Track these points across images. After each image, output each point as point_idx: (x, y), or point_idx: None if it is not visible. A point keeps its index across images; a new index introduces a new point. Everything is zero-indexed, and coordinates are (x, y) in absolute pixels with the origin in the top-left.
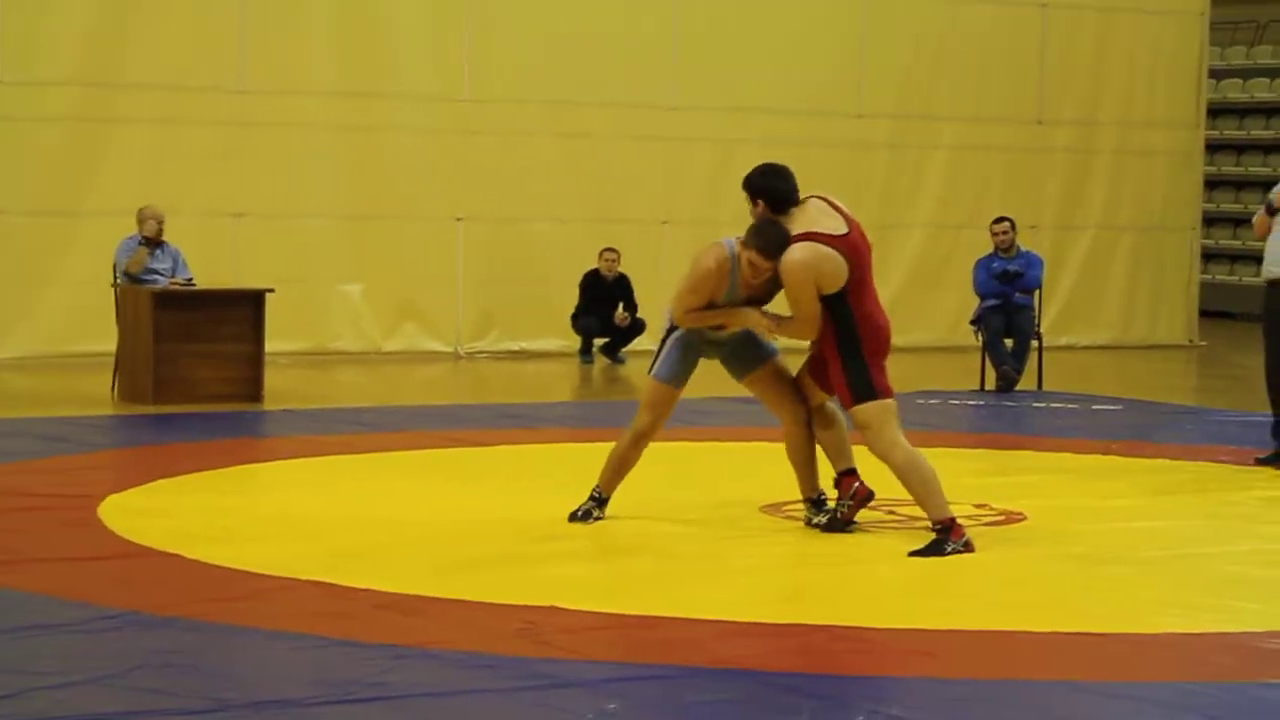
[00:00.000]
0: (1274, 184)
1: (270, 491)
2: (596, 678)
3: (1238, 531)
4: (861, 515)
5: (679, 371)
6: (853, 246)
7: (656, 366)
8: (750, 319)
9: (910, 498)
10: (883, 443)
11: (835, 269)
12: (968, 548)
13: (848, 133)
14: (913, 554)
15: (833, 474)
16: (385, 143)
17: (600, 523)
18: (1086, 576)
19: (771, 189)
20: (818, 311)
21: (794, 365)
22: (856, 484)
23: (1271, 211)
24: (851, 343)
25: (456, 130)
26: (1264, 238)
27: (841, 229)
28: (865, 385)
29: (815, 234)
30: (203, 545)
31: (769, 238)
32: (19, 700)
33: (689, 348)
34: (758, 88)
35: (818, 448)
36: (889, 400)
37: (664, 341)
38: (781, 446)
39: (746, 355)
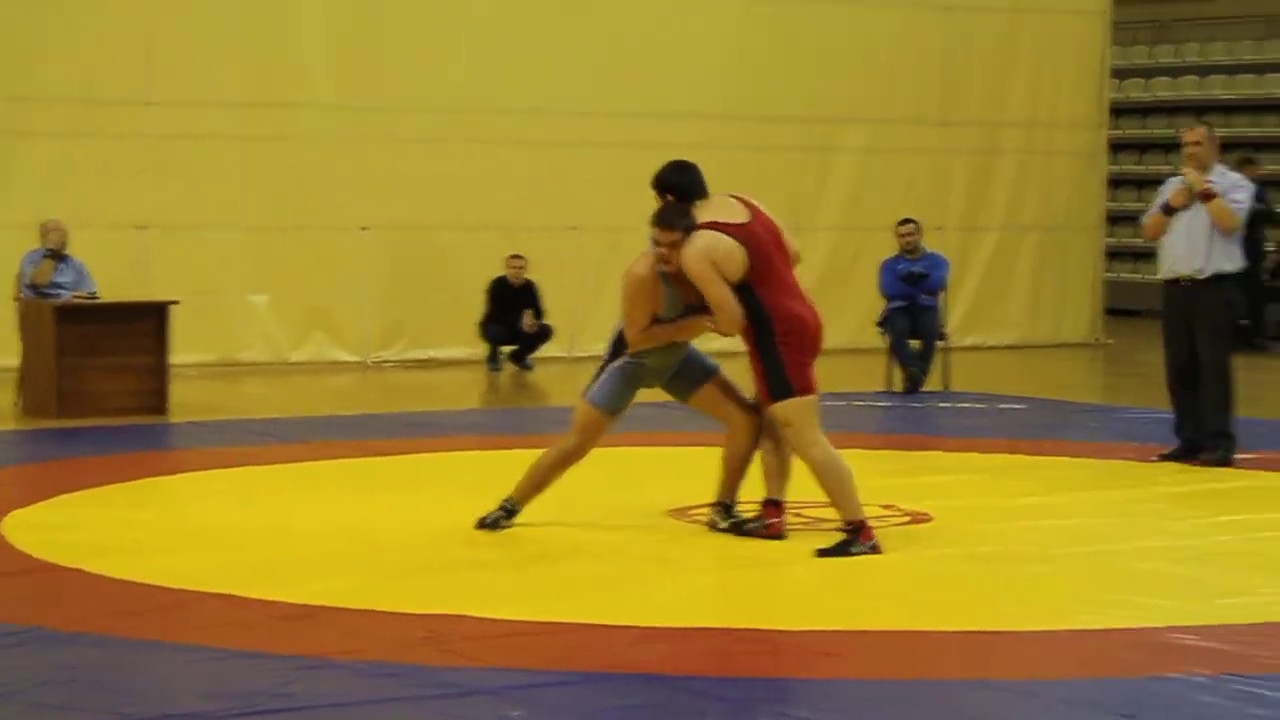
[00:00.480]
0: None
1: (176, 504)
2: (502, 685)
3: (1144, 528)
4: None
5: (616, 402)
6: (752, 235)
7: (594, 391)
8: (699, 324)
9: (820, 499)
10: (802, 441)
11: (730, 253)
12: (875, 550)
13: (754, 136)
14: (819, 552)
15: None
16: (291, 153)
17: (507, 530)
18: (994, 575)
19: (678, 184)
20: (728, 297)
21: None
22: (777, 520)
23: (1169, 211)
24: (766, 337)
25: (362, 139)
26: (1156, 238)
27: (742, 219)
28: (781, 382)
29: (716, 223)
30: (108, 559)
31: (663, 211)
32: None
33: (630, 379)
34: (664, 92)
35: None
36: (809, 398)
37: (604, 365)
38: (686, 450)
39: (689, 375)
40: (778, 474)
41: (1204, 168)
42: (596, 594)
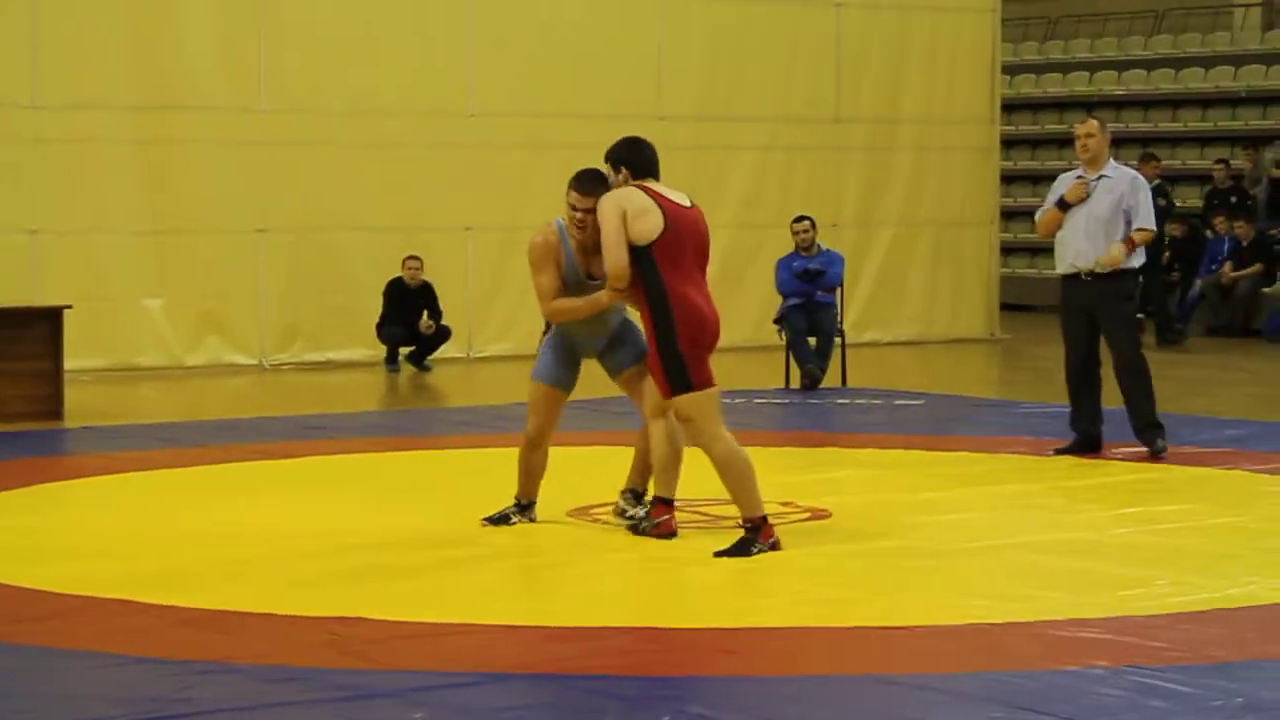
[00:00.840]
0: None
1: (72, 510)
2: (403, 687)
3: (1042, 522)
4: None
5: (557, 372)
6: (681, 218)
7: (535, 368)
8: (602, 296)
9: (719, 497)
10: (704, 436)
11: (644, 213)
12: (774, 547)
13: (650, 135)
14: (718, 554)
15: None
16: (183, 156)
17: (409, 534)
18: (892, 571)
19: (631, 159)
20: (621, 247)
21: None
22: (667, 517)
23: (1064, 206)
24: (666, 327)
25: (255, 142)
26: (1050, 234)
27: (682, 202)
28: (681, 376)
29: (649, 189)
30: (2, 566)
31: (582, 175)
32: None
33: (559, 350)
34: (558, 93)
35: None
36: (710, 391)
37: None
38: (584, 450)
39: (617, 355)
40: (667, 470)
41: (1097, 160)
42: (496, 595)
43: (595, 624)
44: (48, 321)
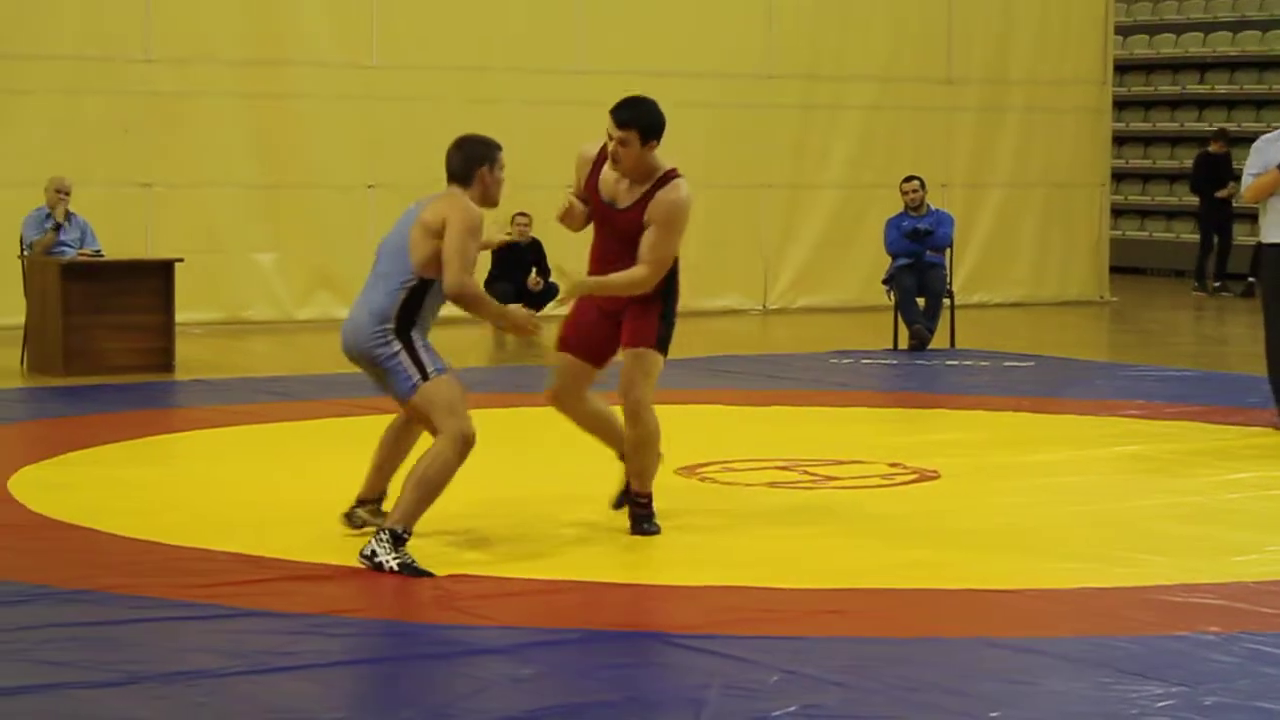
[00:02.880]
0: (1181, 140)
1: (183, 462)
2: (511, 643)
3: (1150, 485)
4: (776, 477)
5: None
6: None
7: (429, 368)
8: (519, 315)
9: (829, 458)
10: (645, 400)
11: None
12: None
13: (759, 94)
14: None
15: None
16: (294, 111)
17: (511, 488)
18: (1000, 533)
19: (646, 122)
20: (674, 255)
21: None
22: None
23: None
24: (672, 295)
25: (365, 97)
26: (1261, 199)
27: None
28: (666, 341)
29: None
30: (114, 518)
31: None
32: None
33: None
34: (667, 50)
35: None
36: (660, 361)
37: (408, 347)
38: (691, 409)
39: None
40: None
41: None
42: (603, 554)
43: (700, 583)
44: (160, 274)
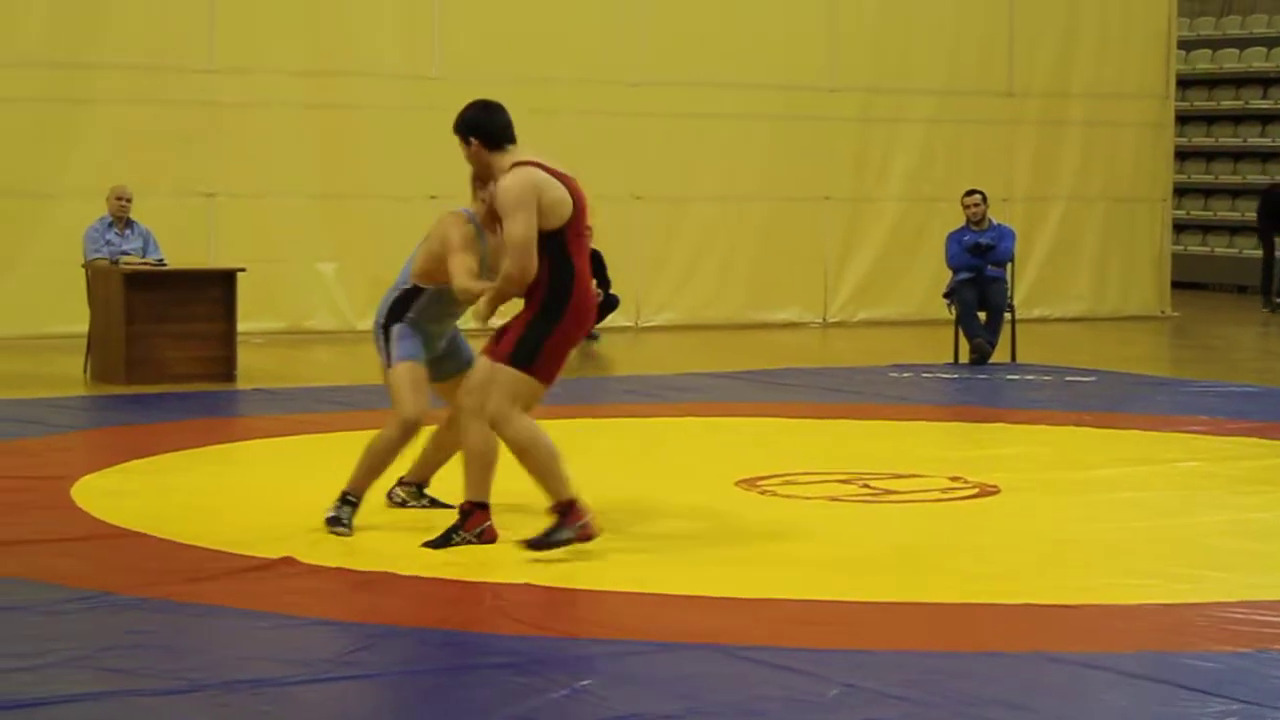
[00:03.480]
0: (1244, 155)
1: (243, 471)
2: (571, 654)
3: (1213, 501)
4: (836, 490)
5: (419, 352)
6: (576, 193)
7: (394, 356)
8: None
9: (886, 471)
10: (501, 415)
11: (559, 198)
12: (587, 537)
13: (821, 107)
14: (532, 544)
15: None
16: (356, 121)
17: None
18: (1061, 548)
19: (485, 123)
20: (533, 238)
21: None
22: (489, 524)
23: None
24: (554, 315)
25: (427, 108)
26: None
27: (567, 172)
28: (530, 357)
29: (541, 164)
30: (175, 525)
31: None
32: None
33: (416, 333)
34: (729, 63)
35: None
36: (540, 387)
37: (385, 338)
38: (750, 421)
39: (456, 359)
40: (488, 471)
41: None
42: (661, 565)
43: (758, 595)
44: (222, 284)
